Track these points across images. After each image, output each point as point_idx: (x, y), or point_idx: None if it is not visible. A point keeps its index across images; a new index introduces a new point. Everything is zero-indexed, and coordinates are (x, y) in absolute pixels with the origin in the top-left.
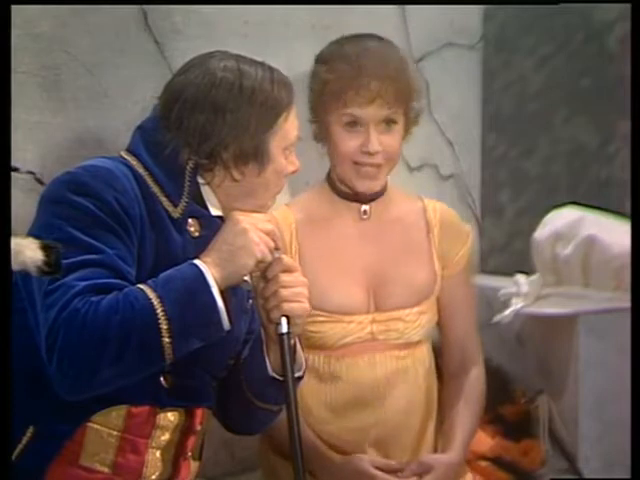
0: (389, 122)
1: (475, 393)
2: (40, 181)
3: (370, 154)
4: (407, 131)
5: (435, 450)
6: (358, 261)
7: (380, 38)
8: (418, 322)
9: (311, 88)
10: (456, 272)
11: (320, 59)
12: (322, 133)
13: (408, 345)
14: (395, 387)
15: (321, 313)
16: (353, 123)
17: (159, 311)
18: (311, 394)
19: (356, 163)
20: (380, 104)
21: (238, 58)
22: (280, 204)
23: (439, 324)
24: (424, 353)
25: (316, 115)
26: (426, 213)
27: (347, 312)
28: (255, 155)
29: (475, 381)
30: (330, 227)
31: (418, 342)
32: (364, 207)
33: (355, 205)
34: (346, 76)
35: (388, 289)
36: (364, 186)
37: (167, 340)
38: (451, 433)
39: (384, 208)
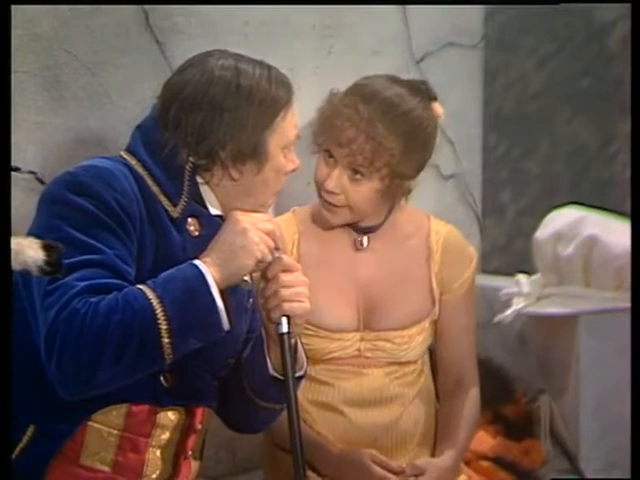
0: (355, 178)
1: (472, 412)
2: (41, 181)
3: (326, 191)
4: (391, 195)
5: None
6: (353, 281)
7: (405, 86)
8: (407, 345)
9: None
10: (457, 297)
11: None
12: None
13: (399, 364)
14: (380, 404)
15: (309, 327)
16: (329, 159)
17: (158, 311)
18: (301, 392)
19: (321, 197)
20: (349, 151)
21: (236, 57)
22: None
23: (436, 346)
24: (417, 373)
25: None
26: (429, 237)
27: (336, 329)
28: (253, 154)
29: (473, 402)
30: (330, 244)
31: (409, 362)
32: (360, 238)
33: (353, 233)
34: (331, 114)
35: (380, 311)
36: (329, 218)
37: (166, 340)
38: (446, 440)
39: (385, 232)
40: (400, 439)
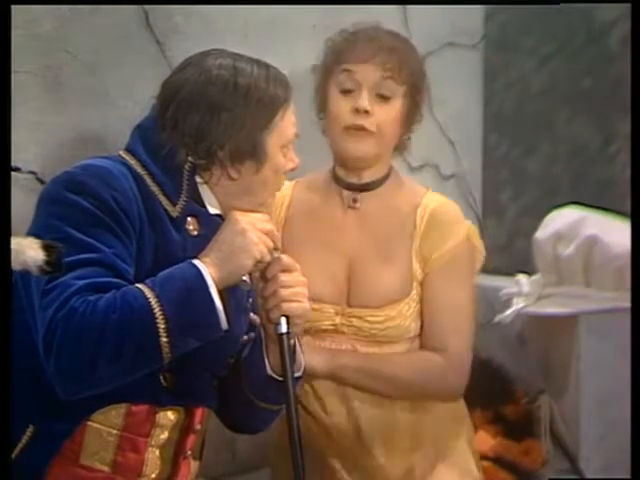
0: (383, 96)
1: (418, 363)
2: (41, 181)
3: (359, 112)
4: (409, 119)
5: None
6: (338, 254)
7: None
8: (382, 324)
9: (318, 68)
10: (436, 269)
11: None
12: (324, 111)
13: (378, 343)
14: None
15: None
16: (348, 89)
17: (157, 310)
18: None
19: (347, 128)
20: (375, 65)
21: (234, 56)
22: None
23: (422, 323)
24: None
25: (320, 94)
26: (416, 211)
27: (315, 300)
28: (252, 153)
29: (431, 358)
30: (319, 215)
31: (392, 342)
32: (354, 195)
33: (347, 195)
34: (347, 38)
35: (358, 287)
36: (354, 148)
37: (165, 339)
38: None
39: (376, 204)
40: (386, 424)
